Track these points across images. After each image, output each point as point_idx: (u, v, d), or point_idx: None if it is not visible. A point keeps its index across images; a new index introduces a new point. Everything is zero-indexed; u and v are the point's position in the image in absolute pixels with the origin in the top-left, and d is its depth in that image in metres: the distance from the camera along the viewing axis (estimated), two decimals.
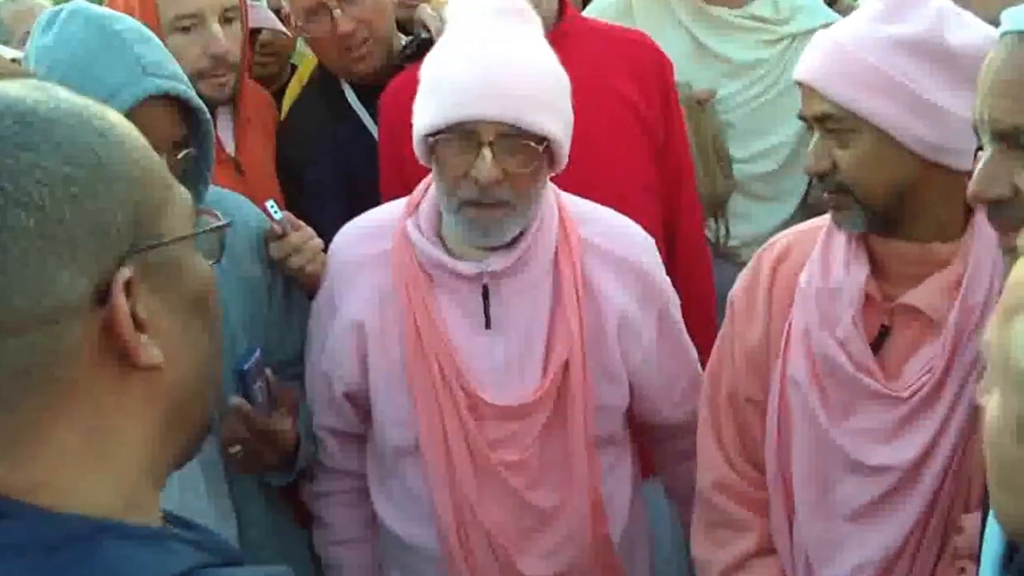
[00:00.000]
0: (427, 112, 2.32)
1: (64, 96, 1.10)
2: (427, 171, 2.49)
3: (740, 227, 3.47)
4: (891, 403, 2.18)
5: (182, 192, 1.16)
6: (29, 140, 1.03)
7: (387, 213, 2.54)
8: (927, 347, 2.17)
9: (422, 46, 3.13)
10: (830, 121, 2.10)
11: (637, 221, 2.58)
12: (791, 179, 3.48)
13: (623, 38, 3.14)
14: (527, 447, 2.44)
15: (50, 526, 1.02)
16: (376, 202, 2.98)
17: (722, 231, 3.48)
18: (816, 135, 2.14)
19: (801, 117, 2.18)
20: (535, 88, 2.28)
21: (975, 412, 2.08)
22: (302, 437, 2.53)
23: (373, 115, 3.14)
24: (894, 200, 2.13)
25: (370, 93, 3.14)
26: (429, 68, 2.36)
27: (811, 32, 3.31)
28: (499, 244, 2.38)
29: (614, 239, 2.51)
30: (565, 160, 2.37)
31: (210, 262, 1.18)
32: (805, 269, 2.28)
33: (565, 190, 2.52)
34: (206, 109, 2.35)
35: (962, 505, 2.16)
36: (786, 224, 3.36)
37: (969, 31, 2.07)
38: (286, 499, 2.71)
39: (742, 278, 2.42)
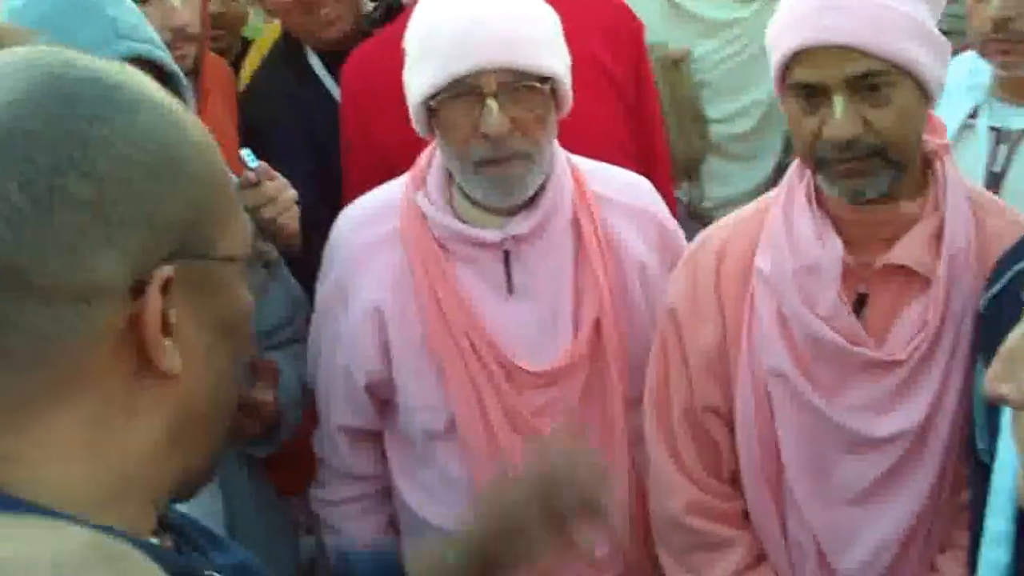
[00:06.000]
0: (422, 76, 2.24)
1: (152, 86, 1.08)
2: (398, 139, 2.42)
3: (716, 189, 3.47)
4: (888, 368, 2.15)
5: (244, 216, 1.14)
6: (108, 114, 1.02)
7: (386, 193, 2.47)
8: (912, 305, 2.15)
9: (390, 10, 3.13)
10: (871, 78, 2.03)
11: None
12: (766, 139, 3.48)
13: (593, 0, 3.09)
14: (570, 412, 2.38)
15: None
16: (339, 168, 2.99)
17: (695, 193, 3.43)
18: (840, 100, 2.04)
19: (814, 85, 2.07)
20: (529, 28, 2.23)
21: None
22: (284, 408, 2.48)
23: (338, 81, 3.11)
24: (916, 155, 2.11)
25: (335, 59, 3.11)
26: (414, 34, 2.29)
27: None
28: (522, 200, 2.32)
29: (626, 191, 2.48)
30: (570, 101, 2.32)
31: (252, 298, 1.16)
32: (764, 254, 2.22)
33: None
34: (182, 75, 2.28)
35: (967, 457, 2.12)
36: (762, 185, 3.36)
37: None
38: (268, 471, 2.67)
39: (679, 285, 2.33)
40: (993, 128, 2.74)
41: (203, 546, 1.17)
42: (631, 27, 3.07)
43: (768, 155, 3.48)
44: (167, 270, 1.02)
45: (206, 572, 1.11)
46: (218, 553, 1.16)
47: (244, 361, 1.17)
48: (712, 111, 3.40)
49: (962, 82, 2.73)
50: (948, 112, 2.56)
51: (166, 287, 1.02)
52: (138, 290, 1.01)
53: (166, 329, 1.03)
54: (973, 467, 2.03)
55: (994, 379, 1.19)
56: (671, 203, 2.96)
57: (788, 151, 3.46)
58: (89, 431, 1.02)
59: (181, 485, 1.13)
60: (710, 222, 3.29)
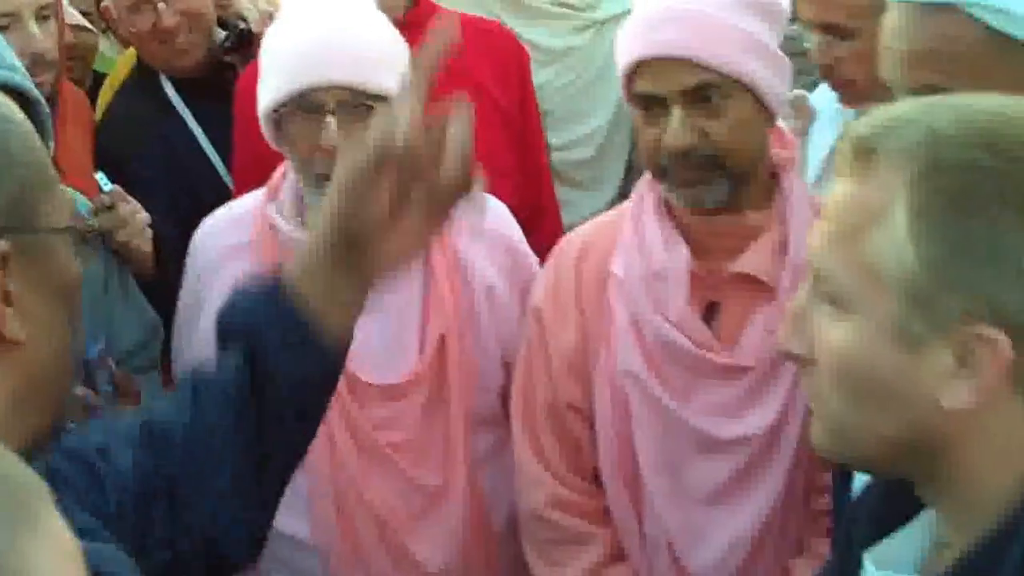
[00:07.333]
0: (268, 89, 2.32)
1: None
2: (276, 152, 2.47)
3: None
4: (737, 374, 2.21)
5: (65, 190, 1.20)
6: None
7: (244, 203, 2.51)
8: (760, 313, 2.21)
9: (241, 37, 3.19)
10: (707, 90, 2.12)
11: None
12: (608, 165, 3.55)
13: (479, 27, 3.15)
14: (410, 426, 2.42)
15: None
16: (199, 197, 3.00)
17: None
18: (677, 111, 2.13)
19: (653, 96, 2.16)
20: (371, 49, 2.31)
21: None
22: None
23: (193, 109, 3.17)
24: (755, 166, 2.20)
25: (189, 87, 3.17)
26: (266, 48, 2.36)
27: (618, 18, 3.47)
28: None
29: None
30: None
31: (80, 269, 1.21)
32: (618, 259, 2.28)
33: None
34: (45, 103, 2.29)
35: (823, 463, 2.14)
36: (604, 211, 3.45)
37: None
38: None
39: (543, 286, 2.40)
40: None
41: None
42: (518, 57, 3.16)
43: (610, 181, 3.54)
44: (3, 244, 1.06)
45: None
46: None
47: (79, 325, 1.22)
48: (553, 139, 3.44)
49: (828, 107, 2.77)
50: (819, 138, 2.65)
51: (5, 260, 1.07)
52: None
53: (7, 299, 1.07)
54: (834, 474, 2.04)
55: (784, 338, 1.26)
56: (558, 221, 3.12)
57: (630, 177, 3.58)
58: None
59: (22, 453, 1.14)
60: None
